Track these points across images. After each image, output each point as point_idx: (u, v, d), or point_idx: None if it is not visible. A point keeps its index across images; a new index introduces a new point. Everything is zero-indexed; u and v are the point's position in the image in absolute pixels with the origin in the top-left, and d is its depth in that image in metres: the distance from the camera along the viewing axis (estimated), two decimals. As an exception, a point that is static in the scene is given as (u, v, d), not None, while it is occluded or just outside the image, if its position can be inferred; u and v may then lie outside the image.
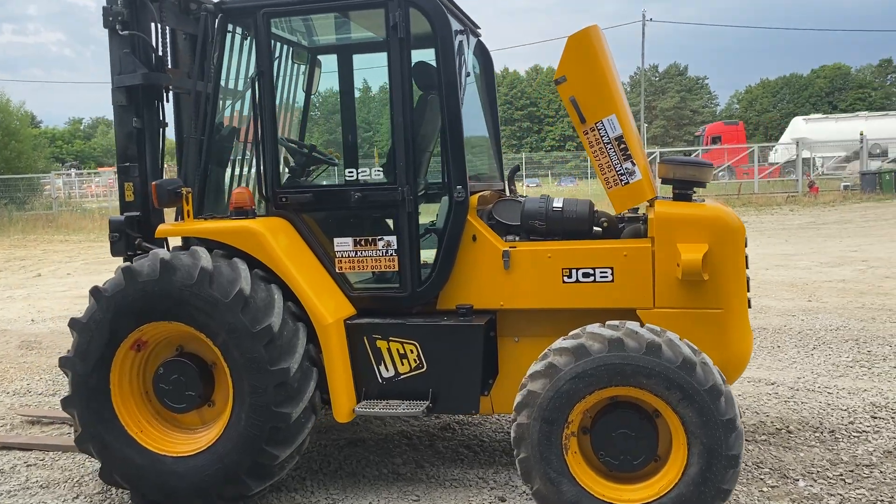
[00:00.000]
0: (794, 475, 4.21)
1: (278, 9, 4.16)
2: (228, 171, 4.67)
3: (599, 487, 3.52)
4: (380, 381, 4.09)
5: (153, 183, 4.07)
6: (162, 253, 3.94)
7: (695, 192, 4.05)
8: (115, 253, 4.57)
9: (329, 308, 4.01)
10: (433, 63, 4.43)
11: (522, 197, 4.48)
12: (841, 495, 3.95)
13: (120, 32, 4.53)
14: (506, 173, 5.16)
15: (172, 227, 4.23)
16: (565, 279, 3.98)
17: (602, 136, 3.94)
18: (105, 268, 15.35)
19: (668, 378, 3.34)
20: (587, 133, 3.97)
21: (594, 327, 3.57)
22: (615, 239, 4.08)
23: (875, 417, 5.07)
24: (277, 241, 4.01)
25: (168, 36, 4.75)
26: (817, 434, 4.81)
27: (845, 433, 4.80)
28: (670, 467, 3.46)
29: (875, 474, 4.19)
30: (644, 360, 3.37)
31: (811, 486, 4.08)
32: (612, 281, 3.93)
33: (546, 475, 3.49)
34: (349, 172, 4.21)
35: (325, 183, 4.98)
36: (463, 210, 4.04)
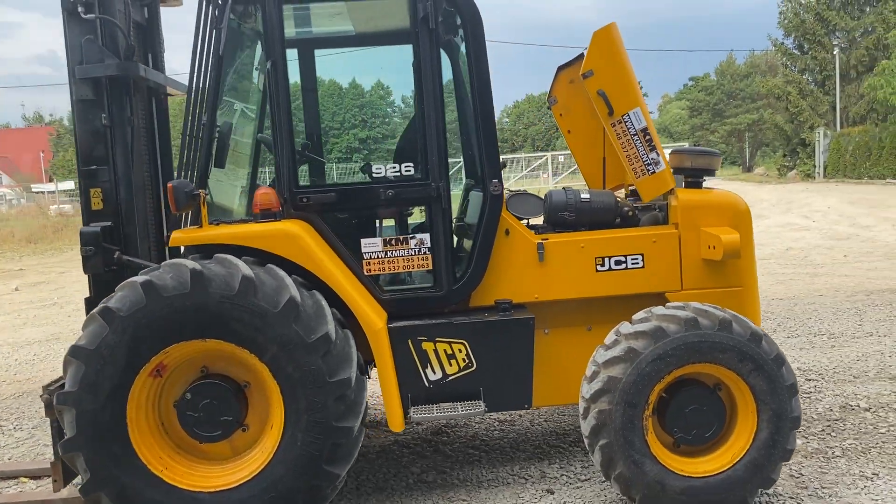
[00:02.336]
0: (787, 435, 4.62)
1: None
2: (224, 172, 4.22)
3: (675, 463, 3.64)
4: (426, 384, 3.91)
5: (169, 184, 3.57)
6: (187, 263, 3.47)
7: (705, 180, 4.33)
8: (88, 269, 3.94)
9: (376, 312, 3.78)
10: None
11: (521, 190, 4.50)
12: (839, 446, 4.42)
13: (83, 16, 3.93)
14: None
15: (188, 234, 3.74)
16: (598, 268, 4.08)
17: (629, 128, 4.09)
18: None
19: (741, 351, 3.55)
20: (615, 125, 4.10)
21: (660, 309, 3.70)
22: (634, 227, 4.25)
23: (809, 380, 5.71)
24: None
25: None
26: (775, 399, 5.31)
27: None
28: (738, 435, 3.67)
29: (849, 426, 4.74)
30: (719, 336, 3.55)
31: (808, 442, 4.52)
32: (643, 267, 4.09)
33: (630, 458, 3.55)
34: (377, 169, 3.99)
35: (356, 180, 4.67)
36: (498, 204, 3.99)
